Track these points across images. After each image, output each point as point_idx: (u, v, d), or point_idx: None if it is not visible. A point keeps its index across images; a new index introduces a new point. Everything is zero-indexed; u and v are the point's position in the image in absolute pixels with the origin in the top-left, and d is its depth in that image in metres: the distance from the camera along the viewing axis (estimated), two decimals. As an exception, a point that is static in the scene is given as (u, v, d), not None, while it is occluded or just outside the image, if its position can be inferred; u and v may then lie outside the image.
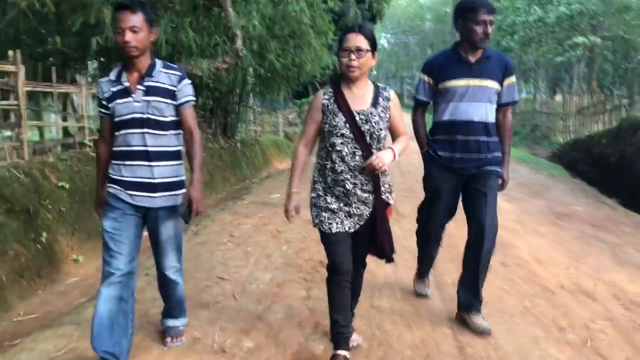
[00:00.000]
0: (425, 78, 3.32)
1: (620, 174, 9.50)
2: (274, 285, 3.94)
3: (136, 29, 2.58)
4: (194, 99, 2.80)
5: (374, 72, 60.31)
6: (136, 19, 2.58)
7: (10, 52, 5.19)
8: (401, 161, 11.41)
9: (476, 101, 3.18)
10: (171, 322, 2.99)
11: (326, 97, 2.68)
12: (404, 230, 5.51)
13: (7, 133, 5.56)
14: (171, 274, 2.85)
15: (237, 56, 8.14)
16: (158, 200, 2.69)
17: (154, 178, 2.68)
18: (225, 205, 7.77)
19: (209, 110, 10.83)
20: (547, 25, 19.75)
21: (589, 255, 4.88)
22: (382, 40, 59.02)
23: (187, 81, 2.77)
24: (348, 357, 2.68)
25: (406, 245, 4.77)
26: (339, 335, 2.69)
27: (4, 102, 5.22)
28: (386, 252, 2.73)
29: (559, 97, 25.99)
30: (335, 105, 2.64)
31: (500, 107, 3.27)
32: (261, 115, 17.32)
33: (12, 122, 5.24)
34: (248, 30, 8.05)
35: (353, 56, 2.56)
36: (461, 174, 3.26)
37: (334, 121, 2.61)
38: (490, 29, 3.12)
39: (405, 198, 7.60)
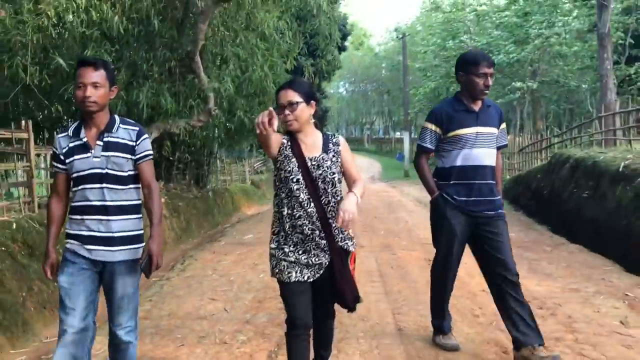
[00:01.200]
0: (433, 127, 3.48)
1: (551, 204, 10.79)
2: (256, 302, 4.92)
3: (98, 85, 2.63)
4: (152, 153, 2.83)
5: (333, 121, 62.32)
6: (97, 75, 2.64)
7: (23, 122, 6.14)
8: (360, 200, 12.62)
9: (484, 147, 3.41)
10: None
11: (284, 140, 2.76)
12: (362, 257, 6.57)
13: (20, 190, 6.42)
14: (124, 334, 2.75)
15: (209, 115, 9.23)
16: (117, 254, 2.69)
17: (112, 232, 2.68)
18: (203, 247, 8.69)
19: (184, 163, 11.80)
20: (489, 73, 21.58)
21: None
22: (341, 89, 61.32)
23: (145, 136, 2.79)
24: None
25: (362, 291, 5.78)
26: None
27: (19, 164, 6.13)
28: (348, 303, 2.75)
29: (509, 137, 27.83)
30: (290, 151, 2.72)
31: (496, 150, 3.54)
32: (229, 165, 18.31)
33: (25, 181, 6.13)
34: (219, 91, 9.17)
35: (287, 111, 2.66)
36: (474, 217, 3.42)
37: (289, 167, 2.69)
38: (490, 81, 3.34)
39: (364, 232, 8.70)
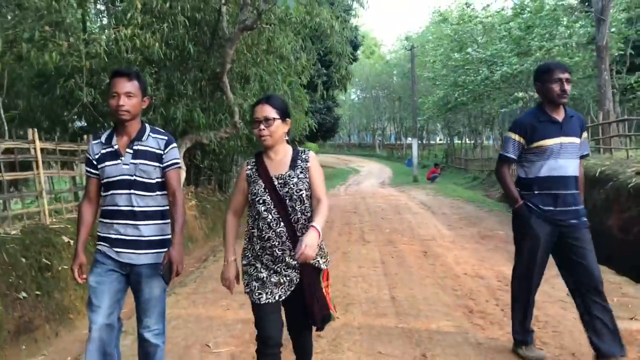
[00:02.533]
0: (517, 137, 3.49)
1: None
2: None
3: (131, 95, 2.75)
4: (179, 162, 2.92)
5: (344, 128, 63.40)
6: (131, 85, 2.75)
7: (30, 131, 6.03)
8: (370, 204, 13.80)
9: (569, 157, 3.43)
10: None
11: (249, 167, 2.80)
12: (367, 249, 7.76)
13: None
14: (152, 336, 2.84)
15: (235, 127, 10.44)
16: (143, 257, 2.80)
17: (139, 236, 2.80)
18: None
19: (210, 169, 13.06)
20: (494, 83, 22.63)
21: (492, 259, 7.12)
22: (353, 96, 62.43)
23: (173, 146, 2.89)
24: None
25: (365, 274, 6.86)
26: None
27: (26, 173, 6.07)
28: (316, 321, 2.73)
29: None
30: (256, 174, 2.74)
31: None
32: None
33: (36, 191, 6.09)
34: (243, 106, 10.39)
35: (262, 126, 2.68)
36: (559, 226, 3.45)
37: (255, 189, 2.71)
38: (567, 86, 3.36)
39: (371, 231, 9.87)
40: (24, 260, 4.97)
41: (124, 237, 2.80)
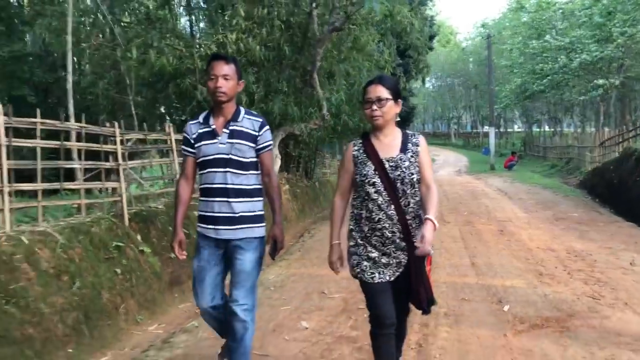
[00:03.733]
0: None
1: (619, 192, 12.22)
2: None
3: (228, 77, 2.85)
4: (272, 144, 3.00)
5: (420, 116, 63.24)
6: (228, 68, 2.85)
7: (167, 125, 7.35)
8: (448, 190, 14.57)
9: None
10: None
11: (356, 148, 2.78)
12: (448, 228, 8.62)
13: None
14: (240, 310, 2.86)
15: (323, 119, 11.51)
16: (239, 232, 2.90)
17: (234, 213, 2.89)
18: (320, 224, 11.02)
19: (299, 157, 14.25)
20: (573, 70, 22.51)
21: (564, 236, 7.80)
22: (428, 84, 62.31)
23: (267, 127, 2.99)
24: None
25: (447, 247, 7.64)
26: None
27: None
28: (422, 304, 2.73)
29: (591, 131, 28.34)
30: (364, 155, 2.72)
31: None
32: (330, 160, 20.71)
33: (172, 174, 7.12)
34: (331, 100, 11.44)
35: (375, 106, 2.66)
36: None
37: (364, 170, 2.69)
38: None
39: (450, 213, 10.69)
40: (170, 228, 6.23)
41: (219, 214, 2.91)
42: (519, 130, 55.77)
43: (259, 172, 3.02)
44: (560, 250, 6.79)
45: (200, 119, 3.02)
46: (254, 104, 10.23)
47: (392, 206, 2.65)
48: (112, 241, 5.01)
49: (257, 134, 2.95)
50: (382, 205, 2.66)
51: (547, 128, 43.56)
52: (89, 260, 4.60)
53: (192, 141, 2.98)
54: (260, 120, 3.00)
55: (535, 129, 44.67)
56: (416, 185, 2.70)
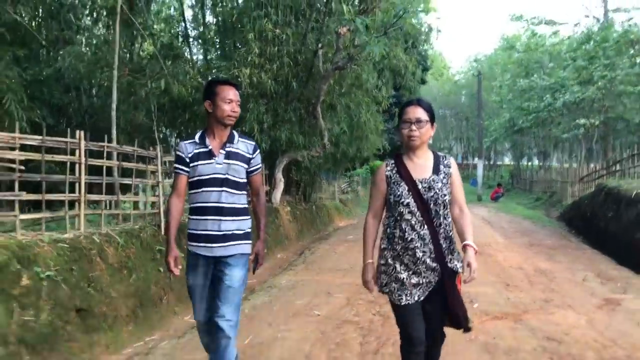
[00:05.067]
0: None
1: (591, 223, 13.43)
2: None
3: (238, 103, 3.02)
4: (262, 166, 3.18)
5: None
6: (238, 94, 3.04)
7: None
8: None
9: None
10: None
11: (389, 168, 2.81)
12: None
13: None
14: (226, 326, 2.94)
15: (324, 147, 12.70)
16: (231, 248, 3.00)
17: (226, 231, 2.98)
18: (319, 243, 12.12)
19: (299, 182, 15.41)
20: (557, 109, 23.97)
21: (534, 258, 8.93)
22: (420, 115, 63.52)
23: (258, 151, 3.14)
24: None
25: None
26: None
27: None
28: (461, 321, 2.76)
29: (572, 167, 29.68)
30: (397, 176, 2.75)
31: None
32: (325, 185, 21.86)
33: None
34: (331, 131, 12.65)
35: (414, 127, 2.69)
36: None
37: (398, 191, 2.72)
38: None
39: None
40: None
41: (212, 232, 3.00)
42: (509, 163, 57.24)
43: (247, 191, 3.22)
44: (528, 269, 7.91)
45: (196, 138, 3.10)
46: (264, 132, 11.38)
47: (425, 227, 2.70)
48: (156, 245, 6.09)
49: (250, 156, 3.12)
50: (416, 226, 2.70)
51: (536, 162, 44.97)
52: (141, 259, 5.68)
53: (187, 160, 3.06)
54: (253, 143, 3.19)
55: (524, 162, 46.07)
56: (447, 207, 2.76)
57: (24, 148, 4.78)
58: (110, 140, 7.32)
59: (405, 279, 2.72)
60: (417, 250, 2.69)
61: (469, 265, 2.60)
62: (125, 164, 6.28)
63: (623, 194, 11.11)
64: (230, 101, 2.99)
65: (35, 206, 5.49)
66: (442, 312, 2.79)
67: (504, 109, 32.13)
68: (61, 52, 10.96)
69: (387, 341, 4.38)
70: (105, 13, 11.92)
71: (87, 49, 12.25)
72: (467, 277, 2.61)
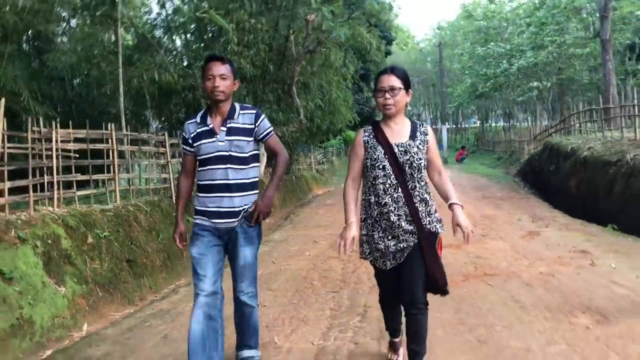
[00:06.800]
0: None
1: (538, 176, 15.25)
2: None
3: (224, 77, 2.95)
4: (272, 129, 3.11)
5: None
6: (224, 68, 2.96)
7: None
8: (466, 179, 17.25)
9: None
10: (247, 353, 3.20)
11: (366, 134, 2.87)
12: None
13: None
14: (247, 298, 3.09)
15: (300, 123, 14.15)
16: (238, 223, 3.02)
17: (234, 207, 3.00)
18: (301, 208, 13.66)
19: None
20: (513, 74, 25.71)
21: (484, 207, 10.60)
22: (388, 84, 64.77)
23: (263, 117, 3.08)
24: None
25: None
26: (394, 332, 3.23)
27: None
28: (439, 285, 2.80)
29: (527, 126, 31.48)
30: (374, 140, 2.82)
31: None
32: (303, 157, 23.37)
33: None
34: (306, 108, 14.09)
35: (388, 95, 2.75)
36: None
37: (375, 154, 2.79)
38: None
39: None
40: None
41: (220, 209, 3.00)
42: (475, 125, 59.25)
43: (258, 164, 3.15)
44: (476, 215, 9.55)
45: (197, 118, 3.09)
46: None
47: (400, 189, 2.75)
48: (173, 212, 7.52)
49: (254, 126, 3.03)
50: (389, 189, 2.76)
51: (501, 123, 46.73)
52: (164, 223, 7.13)
53: (190, 140, 3.06)
54: (255, 111, 3.09)
55: (492, 123, 47.73)
56: (422, 171, 2.81)
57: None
58: (120, 128, 8.69)
59: (384, 249, 2.81)
60: (391, 214, 2.75)
61: (459, 225, 2.71)
62: (145, 148, 7.67)
63: (562, 149, 12.89)
64: (211, 77, 2.95)
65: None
66: (422, 273, 2.78)
67: (467, 75, 33.75)
68: (54, 48, 12.02)
69: (361, 266, 5.93)
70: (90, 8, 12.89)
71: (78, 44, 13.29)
72: (464, 238, 2.70)
